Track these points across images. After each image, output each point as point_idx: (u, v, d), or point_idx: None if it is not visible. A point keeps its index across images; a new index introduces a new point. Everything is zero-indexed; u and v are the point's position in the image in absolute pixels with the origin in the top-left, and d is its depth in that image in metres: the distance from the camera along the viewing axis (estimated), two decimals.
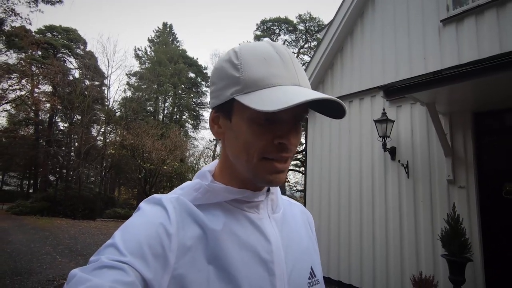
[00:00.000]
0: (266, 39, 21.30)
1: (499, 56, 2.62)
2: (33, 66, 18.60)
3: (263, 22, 25.26)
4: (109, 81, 21.04)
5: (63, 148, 22.90)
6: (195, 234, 0.47)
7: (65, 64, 22.98)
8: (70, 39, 23.70)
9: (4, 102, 16.18)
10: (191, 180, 0.57)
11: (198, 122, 28.94)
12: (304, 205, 4.44)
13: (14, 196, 21.84)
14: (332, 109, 0.50)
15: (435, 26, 4.07)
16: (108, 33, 26.33)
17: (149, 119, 21.68)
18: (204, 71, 29.96)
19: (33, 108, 19.67)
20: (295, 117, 0.50)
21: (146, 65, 28.14)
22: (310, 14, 24.39)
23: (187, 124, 28.43)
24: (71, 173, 18.14)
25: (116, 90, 50.49)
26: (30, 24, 15.77)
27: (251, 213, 0.54)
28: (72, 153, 20.90)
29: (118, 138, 18.60)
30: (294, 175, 24.34)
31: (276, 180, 0.50)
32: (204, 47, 58.28)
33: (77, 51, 24.30)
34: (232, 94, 0.49)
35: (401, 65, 4.35)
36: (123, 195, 26.46)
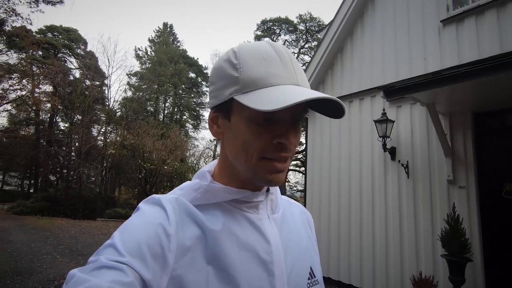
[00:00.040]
0: (267, 39, 21.29)
1: (499, 56, 2.62)
2: (33, 66, 18.63)
3: (264, 22, 25.26)
4: (110, 81, 21.11)
5: (64, 148, 22.92)
6: (194, 235, 0.47)
7: (66, 64, 23.01)
8: (70, 39, 23.73)
9: (5, 102, 16.22)
10: (191, 180, 0.56)
11: (199, 122, 28.96)
12: (304, 205, 4.45)
13: (15, 196, 21.87)
14: (331, 108, 0.50)
15: (435, 26, 4.07)
16: (108, 33, 26.29)
17: (149, 119, 21.68)
18: (205, 71, 29.97)
19: (34, 108, 19.70)
20: (294, 116, 0.50)
21: (147, 65, 28.16)
22: (311, 14, 24.41)
23: (187, 124, 28.45)
24: (72, 173, 18.17)
25: (117, 90, 50.62)
26: (30, 24, 15.84)
27: (251, 214, 0.54)
28: (72, 153, 20.93)
29: (118, 138, 18.61)
30: (295, 175, 24.36)
31: (275, 179, 0.50)
32: (205, 47, 58.38)
33: (78, 51, 24.33)
34: (231, 94, 0.49)
35: (401, 65, 4.35)
36: (123, 195, 26.48)
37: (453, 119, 3.75)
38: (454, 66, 2.99)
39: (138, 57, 28.97)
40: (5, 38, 15.57)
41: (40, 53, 19.59)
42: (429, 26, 4.13)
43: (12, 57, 16.71)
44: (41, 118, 22.13)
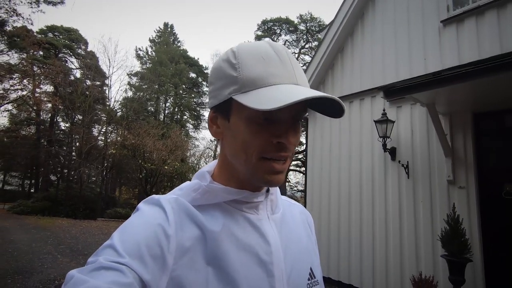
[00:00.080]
0: (267, 39, 21.31)
1: (499, 57, 2.62)
2: (34, 66, 18.67)
3: (264, 22, 25.27)
4: (110, 81, 21.11)
5: (65, 148, 22.98)
6: (194, 235, 0.47)
7: (67, 64, 23.05)
8: (71, 39, 23.77)
9: (6, 102, 16.26)
10: (191, 180, 0.56)
11: (199, 122, 28.97)
12: (305, 205, 4.45)
13: (16, 195, 21.93)
14: (331, 108, 0.50)
15: (435, 27, 4.07)
16: (109, 33, 26.54)
17: (150, 119, 21.71)
18: (205, 71, 29.97)
19: (35, 108, 19.74)
20: (294, 116, 0.49)
21: (147, 65, 28.18)
22: (311, 14, 24.42)
23: (188, 124, 28.46)
24: (72, 173, 18.21)
25: (117, 90, 50.74)
26: (31, 24, 15.88)
27: (250, 214, 0.53)
28: (73, 153, 20.96)
29: (119, 138, 18.62)
30: (295, 175, 24.38)
31: (274, 180, 0.50)
32: (205, 47, 58.39)
33: (79, 51, 24.38)
34: (230, 94, 0.48)
35: (401, 66, 4.35)
36: (124, 195, 26.51)
37: (453, 119, 3.75)
38: (454, 67, 3.00)
39: (138, 57, 29.02)
40: (6, 38, 15.61)
41: (41, 53, 19.66)
42: (429, 26, 4.14)
43: (13, 57, 16.78)
44: (42, 118, 22.19)
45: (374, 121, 4.20)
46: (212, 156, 20.84)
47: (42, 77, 18.18)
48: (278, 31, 25.34)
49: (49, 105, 19.01)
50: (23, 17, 14.99)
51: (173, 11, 55.77)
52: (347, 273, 4.42)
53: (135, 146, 15.19)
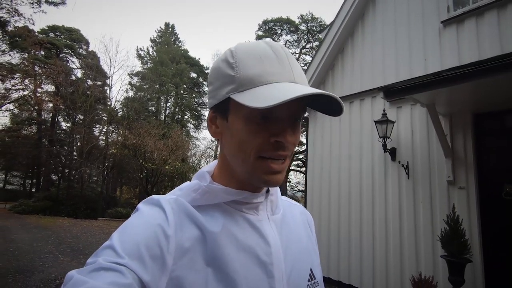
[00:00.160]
0: (268, 39, 21.28)
1: (499, 58, 2.62)
2: (36, 66, 18.72)
3: (265, 22, 25.27)
4: (111, 81, 21.07)
5: (66, 148, 23.04)
6: (193, 236, 0.47)
7: (68, 64, 23.10)
8: (72, 39, 23.82)
9: (7, 101, 16.31)
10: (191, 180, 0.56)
11: (200, 122, 28.98)
12: (305, 205, 4.46)
13: (17, 195, 21.99)
14: (330, 106, 0.50)
15: (435, 27, 4.07)
16: (110, 33, 26.55)
17: (151, 119, 21.72)
18: (206, 71, 29.97)
19: (36, 107, 19.81)
20: (293, 115, 0.49)
21: (148, 65, 28.21)
22: (312, 14, 24.40)
23: (188, 124, 28.49)
24: (74, 172, 18.27)
25: (118, 90, 50.79)
26: (33, 24, 15.90)
27: (250, 215, 0.53)
28: (74, 153, 21.04)
29: (120, 138, 18.64)
30: (296, 175, 24.37)
31: (272, 180, 0.50)
32: (206, 47, 58.46)
33: (80, 51, 24.43)
34: (228, 93, 0.48)
35: (402, 66, 4.35)
36: (125, 194, 26.53)
37: (453, 120, 3.75)
38: (454, 67, 2.99)
39: (139, 57, 29.05)
40: (7, 38, 15.65)
41: (42, 53, 19.70)
42: (429, 27, 4.14)
43: (14, 57, 16.86)
44: (43, 117, 22.24)
45: (374, 121, 4.21)
46: (213, 156, 20.85)
47: (44, 77, 18.24)
48: (279, 31, 25.34)
49: (50, 105, 19.04)
50: (24, 17, 15.03)
51: (174, 11, 55.88)
52: (347, 273, 4.43)
53: (136, 146, 15.21)
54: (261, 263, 0.49)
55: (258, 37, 25.06)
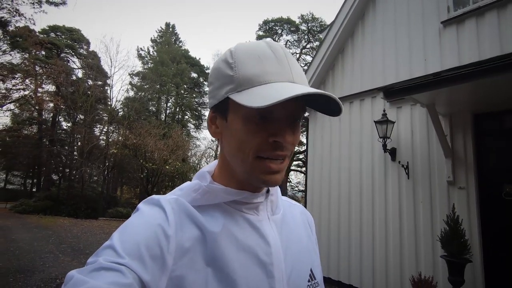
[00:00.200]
0: (269, 39, 21.27)
1: (499, 58, 2.62)
2: (36, 66, 18.75)
3: (265, 22, 25.27)
4: (112, 81, 21.13)
5: (66, 148, 23.06)
6: (194, 236, 0.47)
7: (68, 64, 23.13)
8: (73, 39, 23.84)
9: (8, 101, 16.33)
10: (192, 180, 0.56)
11: (200, 122, 29.00)
12: (305, 205, 4.46)
13: (18, 195, 22.02)
14: (329, 106, 0.50)
15: (435, 28, 4.07)
16: (111, 33, 26.57)
17: (151, 119, 21.74)
18: (206, 71, 29.98)
19: (37, 107, 19.82)
20: (291, 115, 0.49)
21: (149, 65, 28.22)
22: (313, 15, 24.39)
23: (189, 124, 28.50)
24: (74, 172, 18.29)
25: (119, 90, 50.86)
26: (34, 24, 15.91)
27: (250, 215, 0.53)
28: (75, 153, 21.07)
29: (120, 138, 18.68)
30: (296, 175, 24.36)
31: (271, 180, 0.50)
32: (207, 47, 58.49)
33: (80, 51, 24.45)
34: (227, 93, 0.48)
35: (402, 66, 4.36)
36: (125, 194, 26.53)
37: (453, 120, 3.75)
38: (454, 68, 3.00)
39: (140, 57, 29.06)
40: (8, 38, 15.68)
41: (43, 53, 19.73)
42: (429, 27, 4.14)
43: (15, 57, 16.89)
44: (43, 117, 22.26)
45: (374, 121, 4.21)
46: (213, 156, 20.87)
47: (44, 76, 18.26)
48: (279, 31, 25.34)
49: (51, 104, 19.05)
50: (25, 17, 15.04)
51: (174, 11, 55.91)
52: (347, 273, 4.43)
53: (137, 145, 15.23)
54: (261, 263, 0.49)
55: (259, 37, 25.06)
